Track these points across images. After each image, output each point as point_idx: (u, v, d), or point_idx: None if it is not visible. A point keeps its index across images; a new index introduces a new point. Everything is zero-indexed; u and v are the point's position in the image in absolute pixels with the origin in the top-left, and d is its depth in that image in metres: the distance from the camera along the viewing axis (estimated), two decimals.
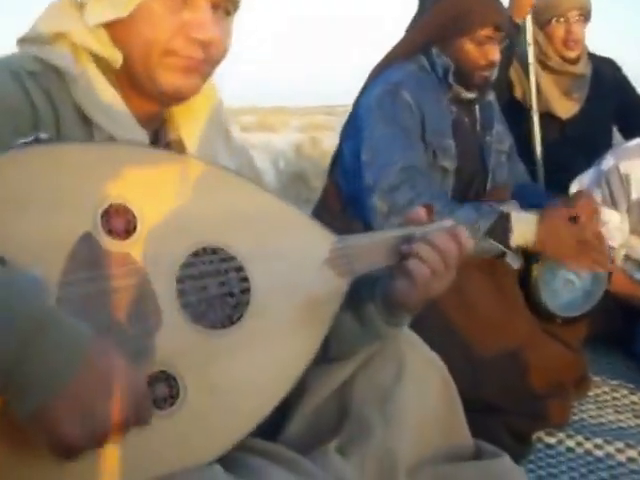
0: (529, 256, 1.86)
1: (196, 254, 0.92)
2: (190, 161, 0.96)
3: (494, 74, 1.97)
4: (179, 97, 1.01)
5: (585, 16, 2.62)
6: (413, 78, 1.92)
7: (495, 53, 1.90)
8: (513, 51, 2.41)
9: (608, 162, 2.25)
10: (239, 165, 1.11)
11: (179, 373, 0.88)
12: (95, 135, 0.96)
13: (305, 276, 0.98)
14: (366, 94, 1.97)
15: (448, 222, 1.06)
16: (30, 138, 0.88)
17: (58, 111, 0.94)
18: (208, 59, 0.99)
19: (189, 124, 1.07)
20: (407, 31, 2.03)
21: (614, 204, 2.23)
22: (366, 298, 1.08)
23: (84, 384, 0.73)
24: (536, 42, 2.61)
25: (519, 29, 2.45)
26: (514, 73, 2.61)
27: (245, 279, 0.94)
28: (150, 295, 0.87)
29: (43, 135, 0.90)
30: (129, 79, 0.99)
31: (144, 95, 1.00)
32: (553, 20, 2.59)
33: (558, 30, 2.60)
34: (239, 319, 0.94)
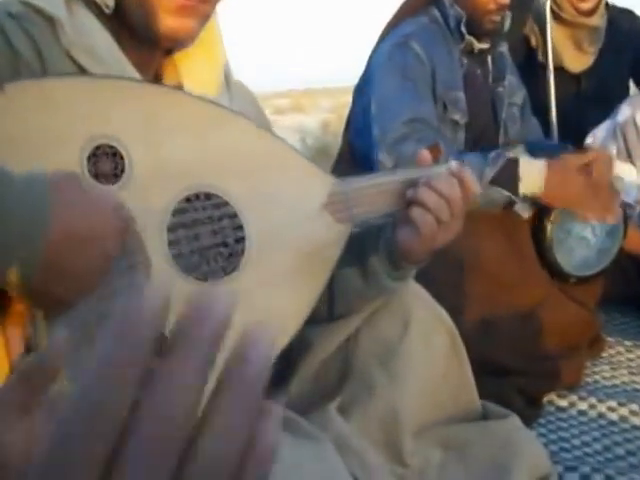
0: (541, 210, 1.76)
1: (189, 200, 0.85)
2: (185, 98, 0.89)
3: (506, 22, 1.88)
4: (176, 40, 0.93)
5: None
6: (424, 30, 1.83)
7: None
8: (530, 5, 2.29)
9: (624, 113, 2.13)
10: (243, 109, 1.03)
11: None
12: None
13: (303, 222, 0.91)
14: (378, 49, 1.89)
15: (454, 163, 0.96)
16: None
17: (43, 56, 0.87)
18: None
19: (190, 69, 0.98)
20: None
21: (630, 157, 2.11)
22: (370, 251, 1.01)
23: (62, 233, 0.68)
24: None
25: None
26: (529, 27, 2.46)
27: (240, 227, 0.88)
28: (138, 244, 0.80)
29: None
30: (123, 22, 0.91)
31: (140, 39, 0.93)
32: None
33: None
34: (233, 270, 0.87)
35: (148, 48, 0.94)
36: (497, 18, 1.82)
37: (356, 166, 1.90)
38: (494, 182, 1.61)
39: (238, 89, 1.06)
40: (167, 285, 0.26)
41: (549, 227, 1.78)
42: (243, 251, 0.87)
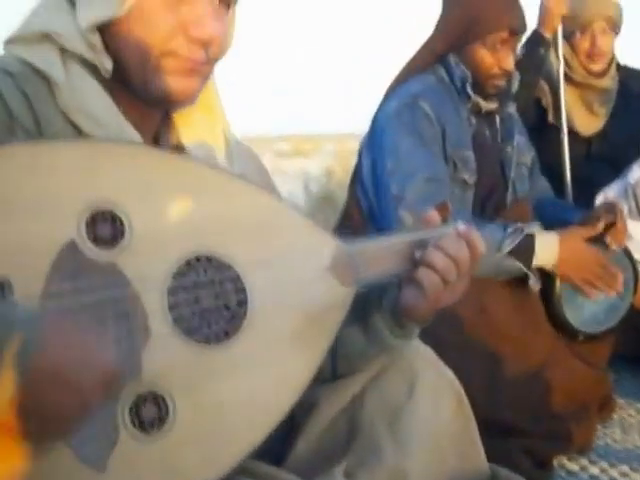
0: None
1: (189, 263, 0.83)
2: (186, 161, 0.87)
3: (514, 83, 1.90)
4: (179, 101, 0.92)
5: (612, 27, 2.46)
6: (432, 89, 1.85)
7: (508, 61, 1.83)
8: (541, 67, 2.29)
9: (634, 173, 2.15)
10: (245, 168, 1.02)
11: (169, 393, 0.80)
12: None
13: (307, 285, 0.89)
14: (385, 107, 1.90)
15: (461, 224, 0.94)
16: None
17: (39, 117, 0.85)
18: (209, 59, 0.91)
19: (189, 129, 0.97)
20: (428, 39, 1.95)
21: None
22: (373, 308, 1.00)
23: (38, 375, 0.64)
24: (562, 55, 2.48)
25: (548, 44, 2.30)
26: (540, 88, 2.46)
27: (242, 290, 0.85)
28: (138, 308, 0.78)
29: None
30: (123, 82, 0.91)
31: (140, 99, 0.92)
32: (577, 32, 2.44)
33: (583, 42, 2.45)
34: (235, 333, 0.85)
35: (148, 108, 0.93)
36: (501, 82, 1.85)
37: (363, 220, 1.90)
38: (511, 254, 1.63)
39: (240, 150, 1.05)
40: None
41: (558, 282, 1.77)
42: (245, 314, 0.85)
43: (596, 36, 2.42)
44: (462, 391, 1.07)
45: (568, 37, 2.45)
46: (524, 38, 2.08)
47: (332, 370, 1.02)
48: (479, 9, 1.78)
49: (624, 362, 2.12)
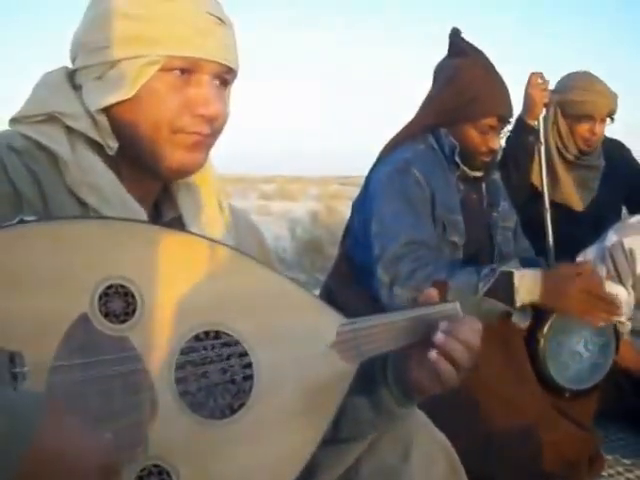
0: (535, 322, 1.79)
1: (198, 338, 0.84)
2: (192, 239, 0.88)
3: (496, 157, 1.98)
4: (185, 173, 0.96)
5: (611, 117, 2.57)
6: (422, 157, 1.91)
7: (495, 142, 1.92)
8: (532, 154, 2.36)
9: (611, 238, 2.20)
10: (247, 244, 1.04)
11: (174, 467, 0.80)
12: None
13: (310, 361, 0.90)
14: (377, 171, 1.95)
15: (456, 304, 0.97)
16: (14, 222, 0.77)
17: (46, 194, 0.87)
18: (214, 133, 0.95)
19: (188, 201, 1.00)
20: (419, 110, 2.01)
21: (619, 279, 2.16)
22: (379, 382, 1.00)
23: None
24: (559, 132, 2.55)
25: (535, 131, 2.35)
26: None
27: (248, 365, 0.86)
28: (146, 383, 0.79)
29: (28, 218, 0.79)
30: (128, 158, 0.93)
31: (144, 173, 0.94)
32: (582, 119, 2.52)
33: (583, 128, 2.53)
34: (240, 408, 0.85)
35: (151, 181, 0.96)
36: (487, 159, 1.93)
37: (354, 275, 1.93)
38: (490, 295, 1.64)
39: (238, 219, 1.07)
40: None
41: (542, 341, 1.79)
42: (251, 389, 0.85)
43: (596, 124, 2.51)
44: (455, 456, 1.08)
45: (572, 120, 2.52)
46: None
47: (334, 434, 1.02)
48: (472, 94, 1.85)
49: (610, 419, 2.13)
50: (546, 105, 2.36)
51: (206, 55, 0.90)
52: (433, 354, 0.92)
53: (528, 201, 2.38)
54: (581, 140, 2.54)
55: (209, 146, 0.96)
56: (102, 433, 0.72)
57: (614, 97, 2.54)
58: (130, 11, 0.89)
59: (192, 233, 0.93)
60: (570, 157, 2.57)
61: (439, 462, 1.06)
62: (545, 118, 2.43)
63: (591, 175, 2.62)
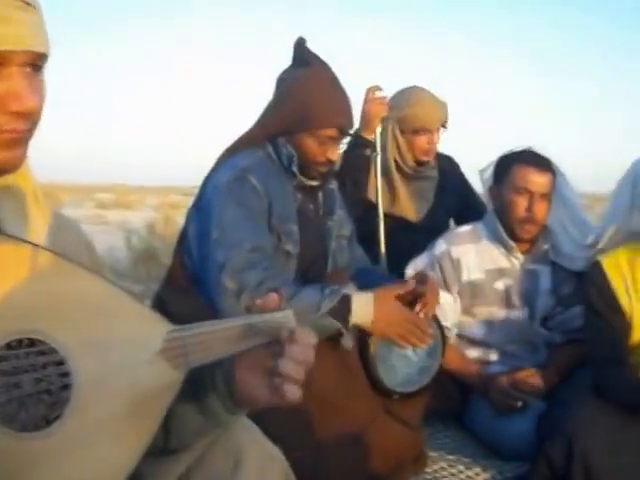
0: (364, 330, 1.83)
1: (10, 346, 0.78)
2: (7, 242, 0.82)
3: (334, 167, 1.99)
4: (5, 172, 0.89)
5: (445, 126, 2.69)
6: (260, 165, 1.89)
7: (334, 153, 1.92)
8: (369, 168, 2.43)
9: (440, 247, 2.30)
10: (74, 251, 0.97)
11: None
12: None
13: (135, 369, 0.86)
14: (214, 178, 1.90)
15: (288, 312, 0.96)
16: None
17: None
18: (31, 126, 0.88)
19: (8, 203, 0.92)
20: (260, 117, 2.00)
21: (446, 286, 2.26)
22: (208, 387, 0.98)
23: None
24: (398, 148, 2.64)
25: (372, 145, 2.43)
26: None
27: (66, 374, 0.81)
28: None
29: None
30: None
31: None
32: (420, 132, 2.62)
33: (421, 141, 2.63)
34: (56, 419, 0.80)
35: None
36: (324, 169, 1.94)
37: (188, 283, 1.88)
38: (329, 314, 1.68)
39: (61, 223, 1.01)
40: None
41: (372, 346, 1.84)
42: (69, 399, 0.81)
43: (433, 135, 2.63)
44: (287, 466, 1.08)
45: (409, 135, 2.62)
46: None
47: (164, 443, 0.99)
48: (311, 106, 1.85)
49: (436, 417, 2.23)
50: (383, 118, 2.44)
51: (14, 46, 0.83)
52: (280, 379, 0.91)
53: (365, 214, 2.45)
54: (420, 152, 2.64)
55: (28, 140, 0.89)
56: None
57: (444, 107, 2.66)
58: None
59: (11, 236, 0.86)
60: (407, 170, 2.66)
61: (271, 473, 1.05)
62: (383, 130, 2.51)
63: (428, 186, 2.73)
